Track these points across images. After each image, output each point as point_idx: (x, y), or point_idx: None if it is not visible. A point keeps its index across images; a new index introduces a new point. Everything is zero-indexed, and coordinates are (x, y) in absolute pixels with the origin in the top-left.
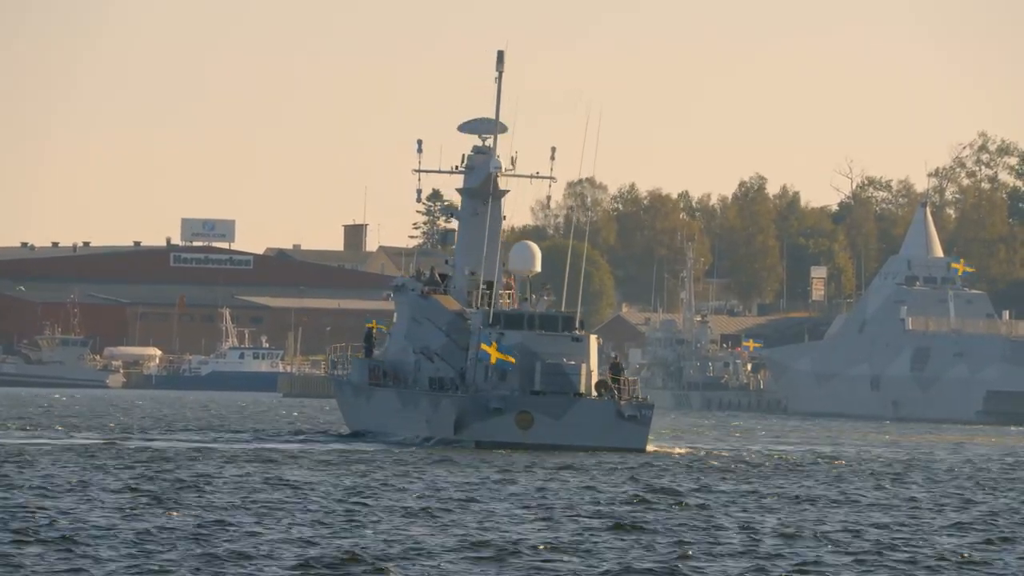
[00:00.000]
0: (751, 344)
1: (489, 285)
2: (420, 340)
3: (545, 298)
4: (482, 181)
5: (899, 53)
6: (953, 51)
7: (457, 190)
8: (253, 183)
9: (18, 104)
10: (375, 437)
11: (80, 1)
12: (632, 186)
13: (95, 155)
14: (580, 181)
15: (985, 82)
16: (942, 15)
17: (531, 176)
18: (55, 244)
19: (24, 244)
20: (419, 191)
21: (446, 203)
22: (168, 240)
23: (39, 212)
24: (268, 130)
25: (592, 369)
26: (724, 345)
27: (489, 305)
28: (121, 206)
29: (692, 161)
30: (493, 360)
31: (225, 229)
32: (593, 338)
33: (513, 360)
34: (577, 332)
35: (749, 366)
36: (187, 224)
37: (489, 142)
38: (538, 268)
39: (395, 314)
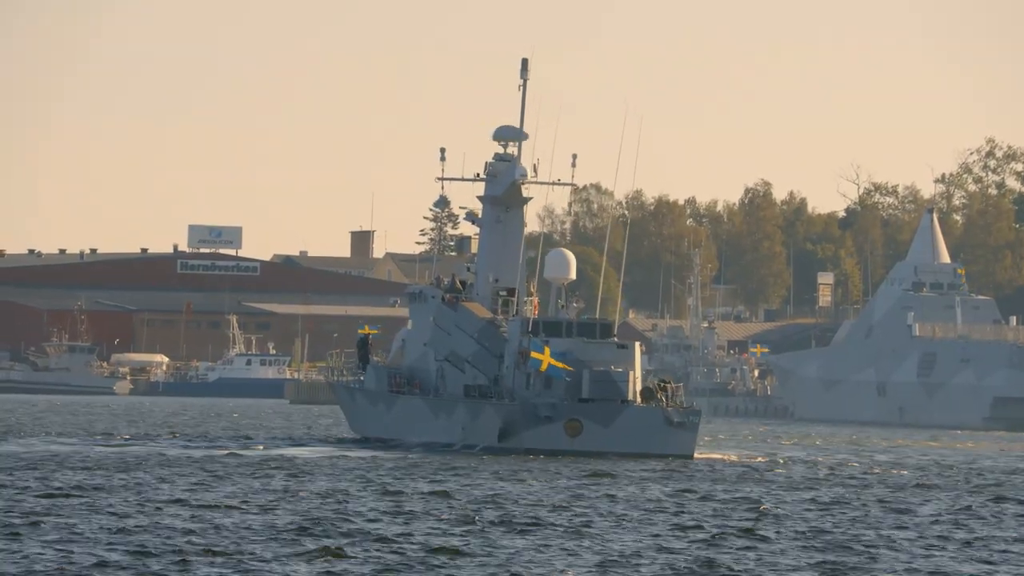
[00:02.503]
0: (758, 350)
1: (510, 292)
2: (446, 347)
3: (575, 305)
4: (506, 189)
5: (906, 59)
6: (960, 57)
7: (478, 197)
8: (260, 190)
9: (24, 110)
10: (397, 444)
11: (87, 5)
12: (639, 192)
13: (102, 162)
14: (585, 187)
15: (992, 88)
16: (948, 21)
17: (553, 183)
18: (62, 251)
19: (31, 251)
20: (442, 198)
21: (466, 209)
22: (175, 247)
23: (46, 219)
24: (275, 137)
25: (637, 376)
26: (731, 351)
27: (514, 312)
28: (128, 213)
29: (699, 167)
30: (544, 367)
31: (232, 236)
32: (637, 345)
33: (570, 368)
34: (616, 339)
35: (756, 372)
36: (194, 231)
37: (511, 149)
38: (573, 275)
39: (409, 321)
